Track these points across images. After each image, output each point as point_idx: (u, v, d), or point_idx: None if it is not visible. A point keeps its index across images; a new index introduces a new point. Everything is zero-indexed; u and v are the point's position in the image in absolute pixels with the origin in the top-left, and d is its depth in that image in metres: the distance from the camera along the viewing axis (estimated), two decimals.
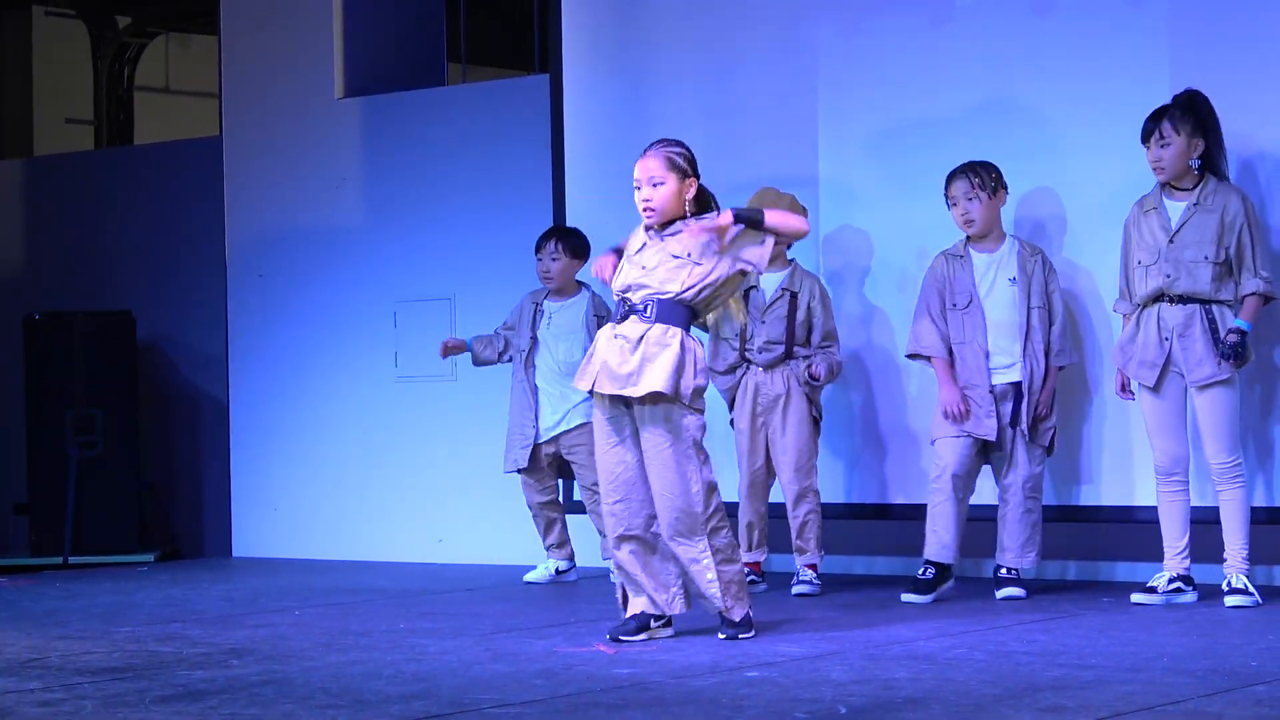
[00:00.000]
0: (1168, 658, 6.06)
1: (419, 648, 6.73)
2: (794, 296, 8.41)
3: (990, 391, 7.95)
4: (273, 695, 5.67)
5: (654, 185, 6.78)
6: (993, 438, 7.95)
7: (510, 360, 9.34)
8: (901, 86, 8.75)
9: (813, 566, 8.44)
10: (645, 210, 6.82)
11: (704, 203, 6.88)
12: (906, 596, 7.90)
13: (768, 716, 5.11)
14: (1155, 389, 7.47)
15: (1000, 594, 7.93)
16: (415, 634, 7.15)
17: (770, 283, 8.43)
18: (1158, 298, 7.46)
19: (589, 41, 9.68)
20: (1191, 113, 7.43)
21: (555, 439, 9.17)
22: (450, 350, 9.43)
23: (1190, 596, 7.51)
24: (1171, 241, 7.43)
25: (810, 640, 6.69)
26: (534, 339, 9.24)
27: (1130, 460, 8.15)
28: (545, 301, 9.28)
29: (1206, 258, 7.38)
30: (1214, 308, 7.40)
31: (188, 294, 12.33)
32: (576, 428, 9.07)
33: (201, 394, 12.34)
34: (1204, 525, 7.60)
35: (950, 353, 8.03)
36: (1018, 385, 7.95)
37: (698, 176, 6.85)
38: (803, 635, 6.85)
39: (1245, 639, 6.48)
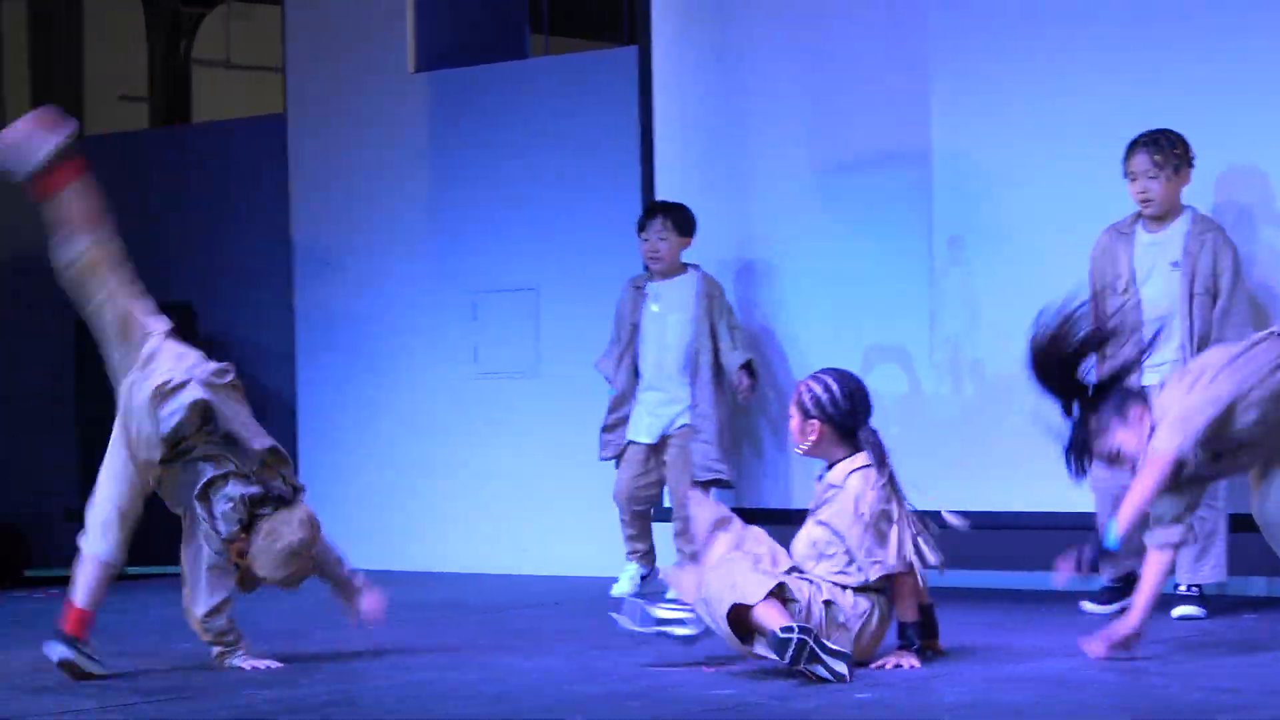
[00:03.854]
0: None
1: (500, 666, 6.75)
2: None
3: None
4: (342, 718, 5.71)
5: None
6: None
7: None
8: (1018, 55, 8.72)
9: None
10: None
11: None
12: (1088, 606, 7.84)
13: None
14: None
15: (1175, 613, 7.73)
16: (497, 651, 7.17)
17: None
18: None
19: (680, 11, 9.69)
20: None
21: (660, 442, 9.20)
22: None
23: None
24: None
25: (924, 658, 6.67)
26: (634, 326, 9.26)
27: None
28: (649, 284, 9.30)
29: None
30: None
31: (252, 285, 12.41)
32: (685, 426, 9.11)
33: (267, 393, 12.40)
34: None
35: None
36: None
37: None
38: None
39: None
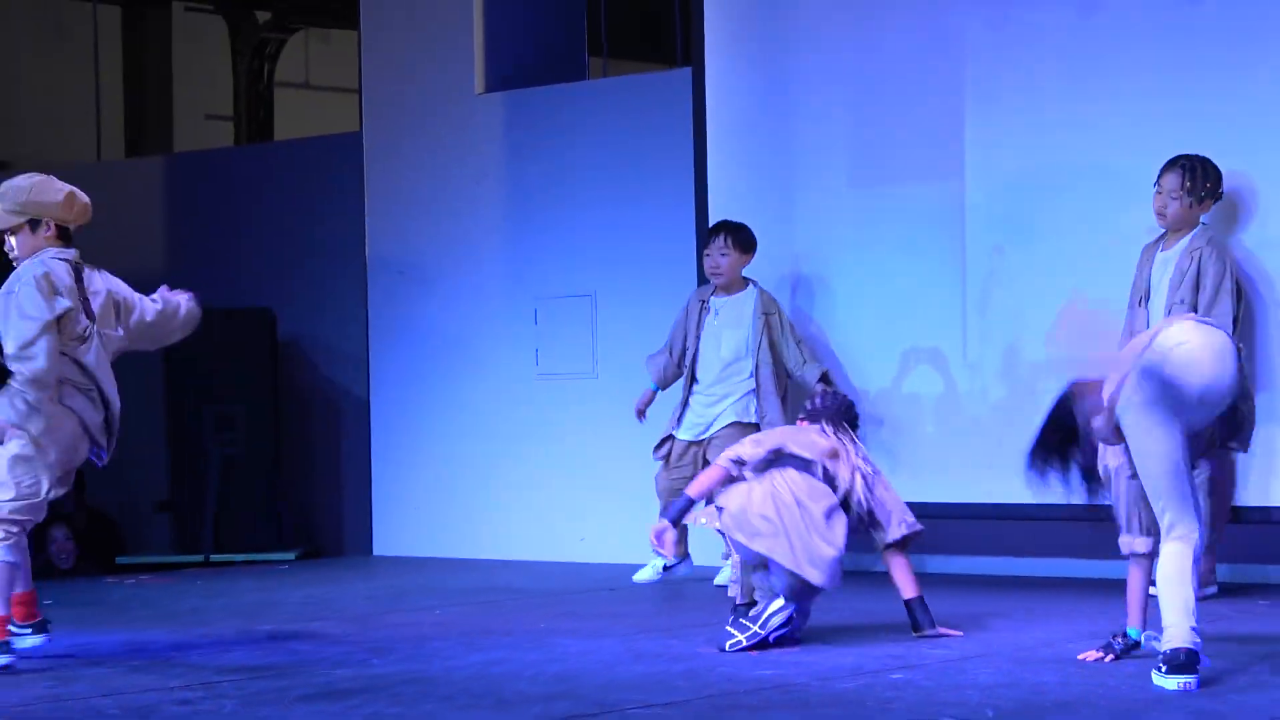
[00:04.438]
0: None
1: (560, 647, 6.76)
2: None
3: None
4: (414, 695, 5.72)
5: None
6: None
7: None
8: (1049, 76, 8.69)
9: None
10: None
11: None
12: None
13: None
14: None
15: None
16: (557, 634, 7.18)
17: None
18: None
19: (731, 34, 9.68)
20: None
21: (702, 441, 9.19)
22: (645, 406, 9.46)
23: None
24: None
25: (957, 642, 6.66)
26: (692, 336, 9.25)
27: None
28: (712, 298, 9.31)
29: None
30: None
31: (328, 291, 12.43)
32: (726, 428, 9.09)
33: (342, 392, 12.45)
34: None
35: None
36: None
37: None
38: (948, 637, 6.81)
39: None
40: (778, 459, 6.84)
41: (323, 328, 12.52)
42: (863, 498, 6.85)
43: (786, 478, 6.77)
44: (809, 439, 6.95)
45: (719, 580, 8.98)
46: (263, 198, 12.98)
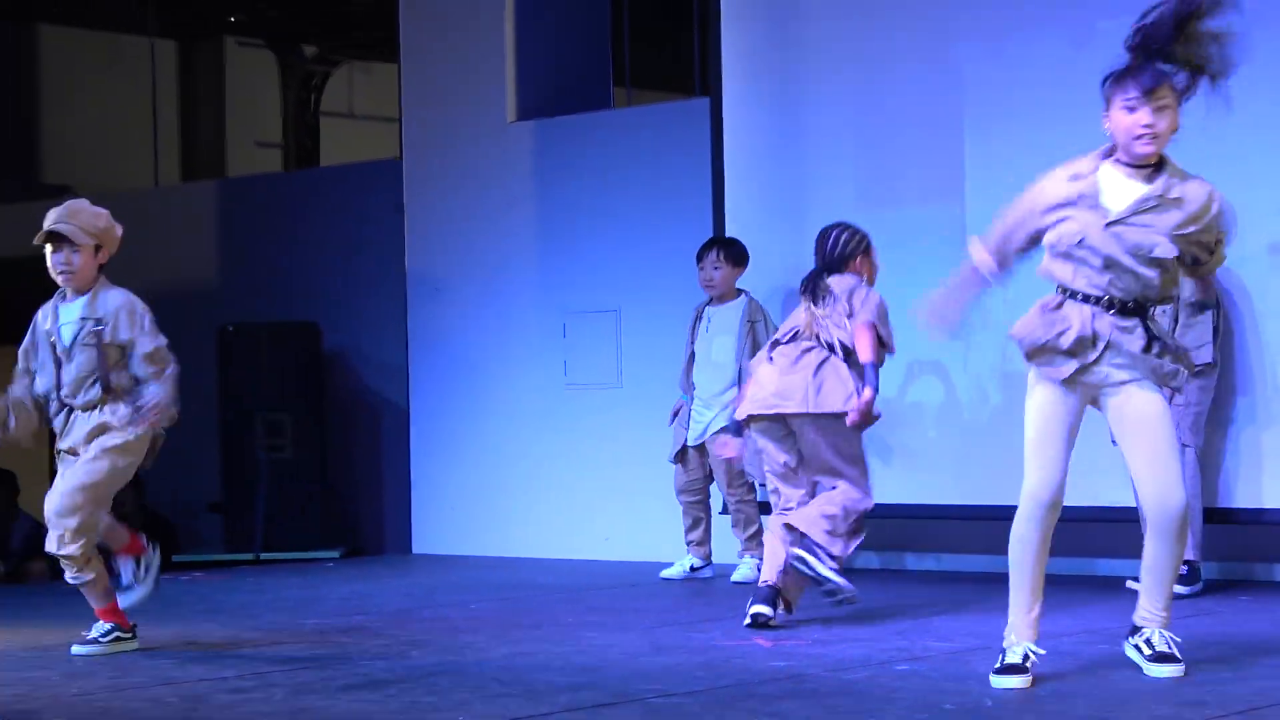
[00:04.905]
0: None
1: (586, 640, 6.77)
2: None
3: None
4: (448, 684, 5.74)
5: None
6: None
7: None
8: (1043, 105, 8.69)
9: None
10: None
11: None
12: (1133, 584, 7.72)
13: (917, 709, 5.10)
14: None
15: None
16: (582, 627, 7.19)
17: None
18: None
19: (747, 67, 9.69)
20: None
21: (702, 444, 9.20)
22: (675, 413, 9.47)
23: None
24: None
25: (958, 635, 6.67)
26: (691, 344, 9.27)
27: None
28: (707, 308, 9.32)
29: None
30: None
31: (370, 306, 12.47)
32: (720, 431, 9.10)
33: (383, 400, 12.48)
34: None
35: None
36: None
37: None
38: (951, 630, 6.83)
39: None
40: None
41: (365, 340, 12.56)
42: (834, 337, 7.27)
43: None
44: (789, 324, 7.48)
45: (735, 577, 8.99)
46: (309, 219, 13.02)
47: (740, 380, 9.03)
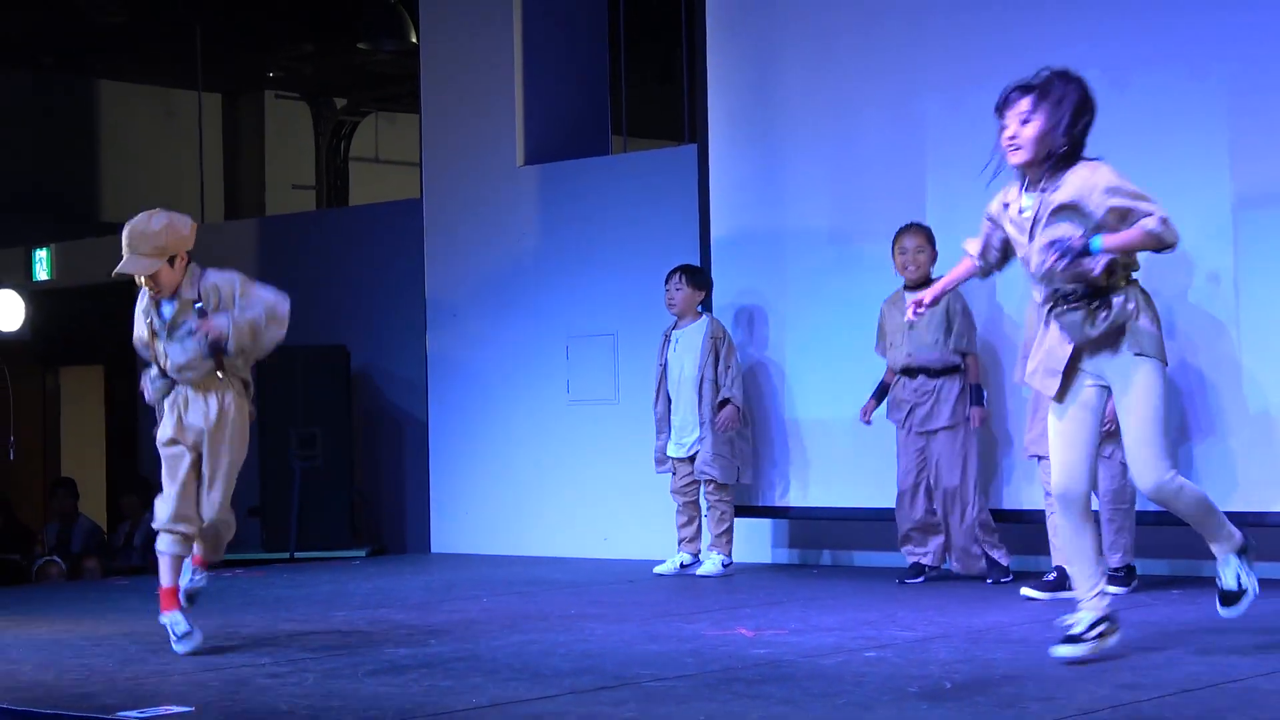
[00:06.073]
0: (1220, 635, 5.95)
1: (587, 630, 6.74)
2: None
3: None
4: (464, 669, 5.71)
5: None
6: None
7: None
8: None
9: None
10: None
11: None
12: (1026, 590, 7.64)
13: (884, 690, 5.08)
14: None
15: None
16: (584, 619, 7.16)
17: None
18: None
19: (730, 116, 9.68)
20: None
21: (686, 456, 9.16)
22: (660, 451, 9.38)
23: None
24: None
25: (921, 625, 6.65)
26: (664, 365, 9.24)
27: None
28: (674, 331, 9.29)
29: None
30: None
31: (393, 331, 12.46)
32: (697, 442, 9.07)
33: (405, 415, 12.46)
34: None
35: None
36: None
37: None
38: (915, 621, 6.80)
39: None
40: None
41: (389, 361, 12.55)
42: None
43: None
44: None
45: (702, 571, 8.95)
46: (339, 254, 13.02)
47: (702, 392, 9.01)
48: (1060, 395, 5.47)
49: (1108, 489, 7.63)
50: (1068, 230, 5.32)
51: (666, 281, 9.25)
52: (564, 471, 10.78)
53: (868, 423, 8.54)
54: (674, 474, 9.25)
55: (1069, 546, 5.54)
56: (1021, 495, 8.50)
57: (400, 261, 12.33)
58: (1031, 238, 5.41)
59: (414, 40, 12.85)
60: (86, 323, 14.60)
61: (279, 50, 16.14)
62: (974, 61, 8.78)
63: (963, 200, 8.76)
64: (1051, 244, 5.31)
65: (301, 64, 16.49)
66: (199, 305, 6.39)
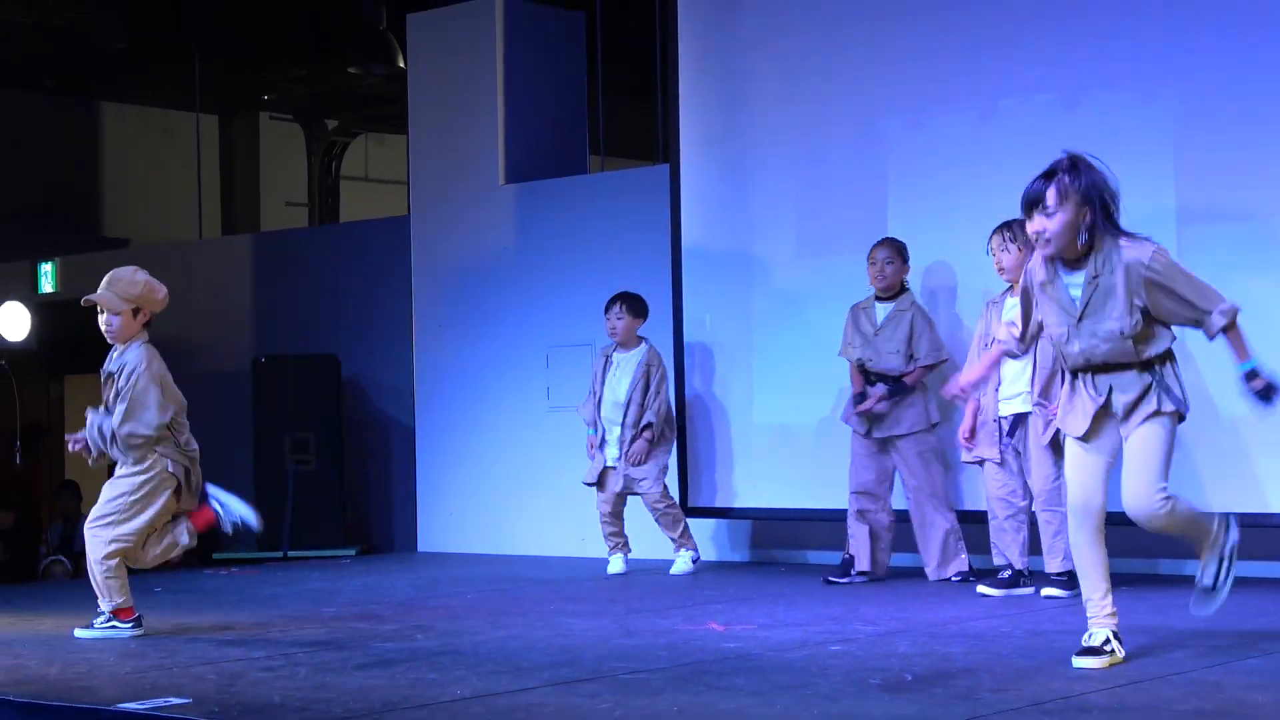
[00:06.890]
0: (1168, 632, 5.95)
1: (565, 625, 6.73)
2: None
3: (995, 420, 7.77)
4: (448, 663, 5.70)
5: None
6: (996, 460, 7.78)
7: None
8: (955, 168, 8.70)
9: None
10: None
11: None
12: (982, 588, 7.60)
13: (847, 682, 5.08)
14: None
15: (1044, 593, 7.44)
16: (562, 614, 7.15)
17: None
18: None
19: (701, 137, 9.69)
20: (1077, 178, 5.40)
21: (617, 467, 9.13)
22: (593, 446, 9.33)
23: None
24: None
25: (883, 621, 6.64)
26: (602, 384, 9.20)
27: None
28: (614, 353, 9.25)
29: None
30: None
31: (382, 341, 12.43)
32: (620, 459, 9.07)
33: (393, 421, 12.43)
34: None
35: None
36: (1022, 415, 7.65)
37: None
38: (877, 616, 6.80)
39: (1238, 618, 6.35)
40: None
41: (378, 370, 12.52)
42: None
43: None
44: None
45: (674, 570, 8.93)
46: (331, 267, 12.98)
47: (627, 413, 8.96)
48: (1087, 437, 5.42)
49: (1042, 489, 7.49)
50: (1117, 312, 5.29)
51: (607, 310, 9.20)
52: (544, 474, 10.76)
53: (863, 412, 8.35)
54: (600, 489, 9.17)
55: (1084, 560, 5.40)
56: (978, 496, 8.49)
57: (389, 275, 12.31)
58: (1080, 319, 5.37)
59: (402, 65, 12.83)
60: (89, 333, 14.56)
61: (273, 74, 16.12)
62: (934, 84, 8.80)
63: (922, 214, 8.82)
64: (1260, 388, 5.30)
65: (295, 87, 16.46)
66: (108, 370, 6.68)
